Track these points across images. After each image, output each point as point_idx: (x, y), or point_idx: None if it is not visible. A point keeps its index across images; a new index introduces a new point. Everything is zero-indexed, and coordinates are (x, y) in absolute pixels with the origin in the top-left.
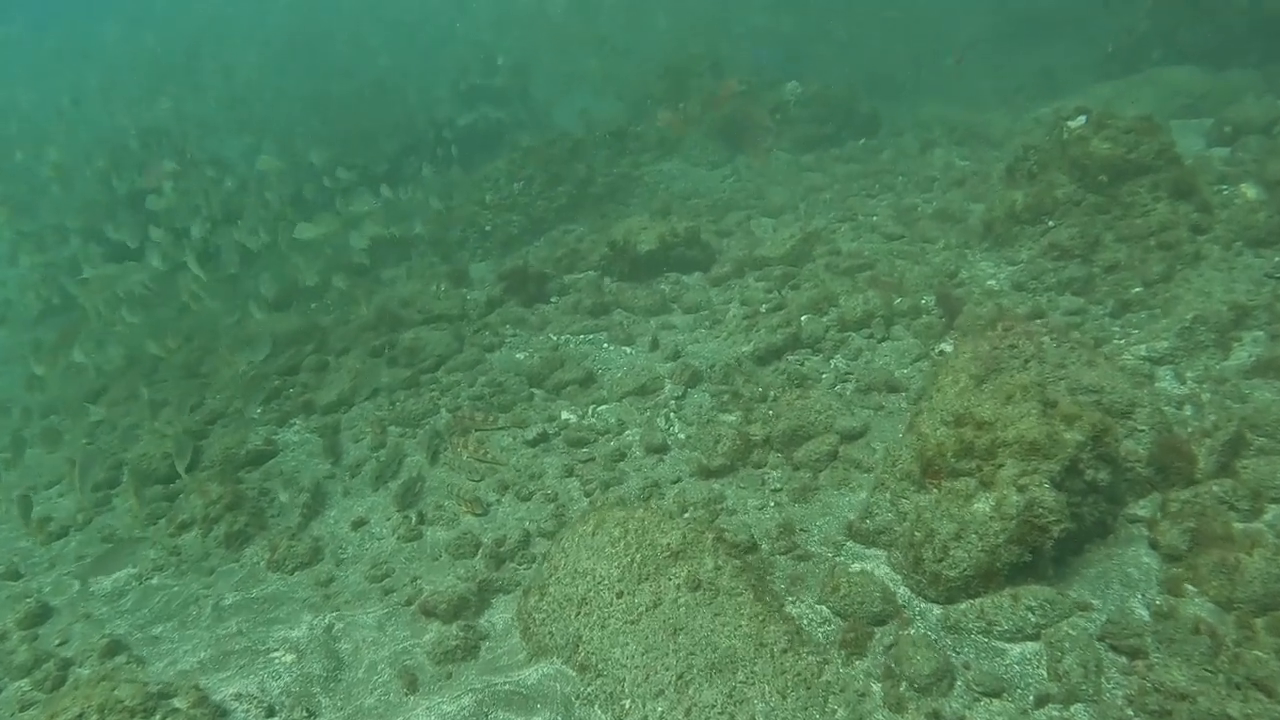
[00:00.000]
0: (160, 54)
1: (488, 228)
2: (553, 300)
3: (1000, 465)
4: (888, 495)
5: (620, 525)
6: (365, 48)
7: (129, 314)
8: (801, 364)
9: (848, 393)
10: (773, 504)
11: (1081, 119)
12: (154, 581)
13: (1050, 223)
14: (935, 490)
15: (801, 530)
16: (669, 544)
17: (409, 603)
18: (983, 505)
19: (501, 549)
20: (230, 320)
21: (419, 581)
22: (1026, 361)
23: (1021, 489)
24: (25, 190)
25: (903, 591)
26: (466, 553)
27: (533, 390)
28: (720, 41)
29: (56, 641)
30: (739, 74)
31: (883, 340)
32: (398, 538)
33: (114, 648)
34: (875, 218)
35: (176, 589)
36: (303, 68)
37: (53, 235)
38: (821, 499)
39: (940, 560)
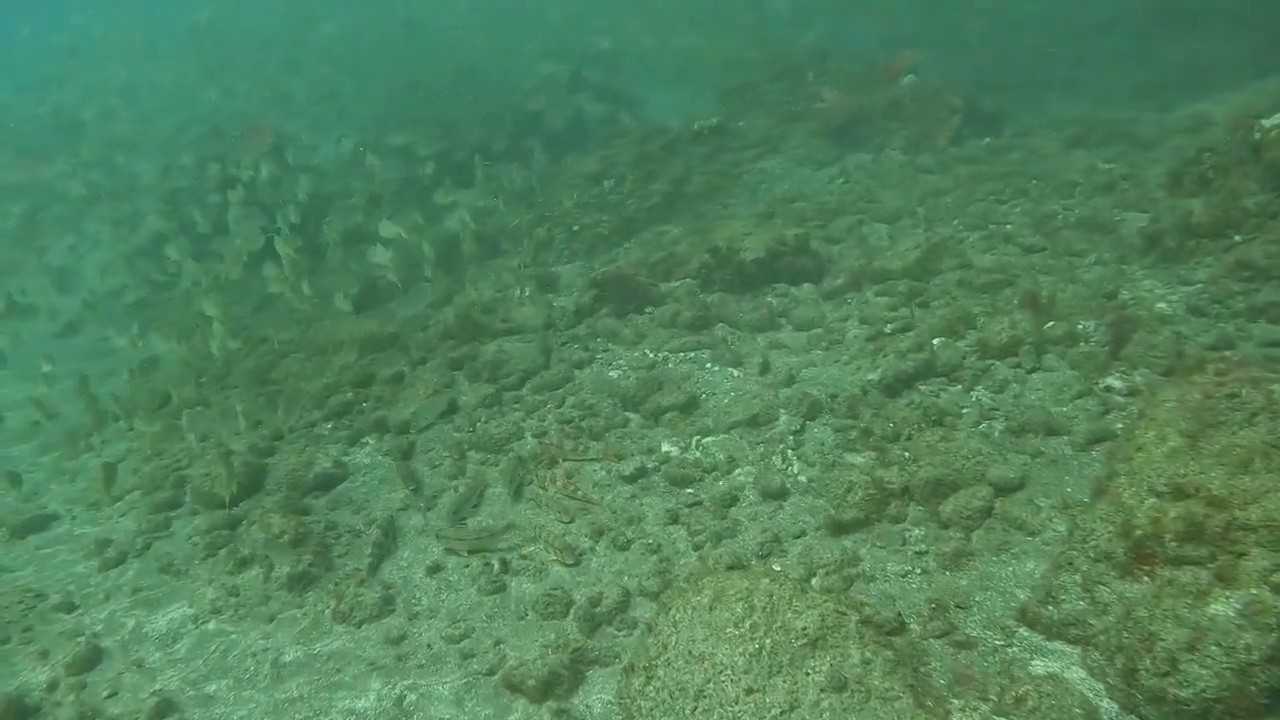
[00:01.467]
0: (261, 33)
1: (575, 227)
2: (648, 311)
3: (1242, 555)
4: (1078, 578)
5: (744, 600)
6: (462, 28)
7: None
8: (937, 396)
9: (996, 433)
10: (918, 570)
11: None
12: (210, 626)
13: (1237, 237)
14: (1148, 580)
15: (958, 607)
16: (805, 627)
17: (491, 672)
18: (1224, 608)
19: (597, 609)
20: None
21: (502, 646)
22: (1254, 415)
23: (1277, 589)
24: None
25: (1108, 706)
26: (556, 612)
27: (628, 415)
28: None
29: (105, 693)
30: (850, 64)
31: (1033, 371)
32: (478, 589)
33: (164, 709)
34: (1009, 226)
35: (234, 637)
36: (399, 50)
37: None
38: (978, 567)
39: (1165, 674)
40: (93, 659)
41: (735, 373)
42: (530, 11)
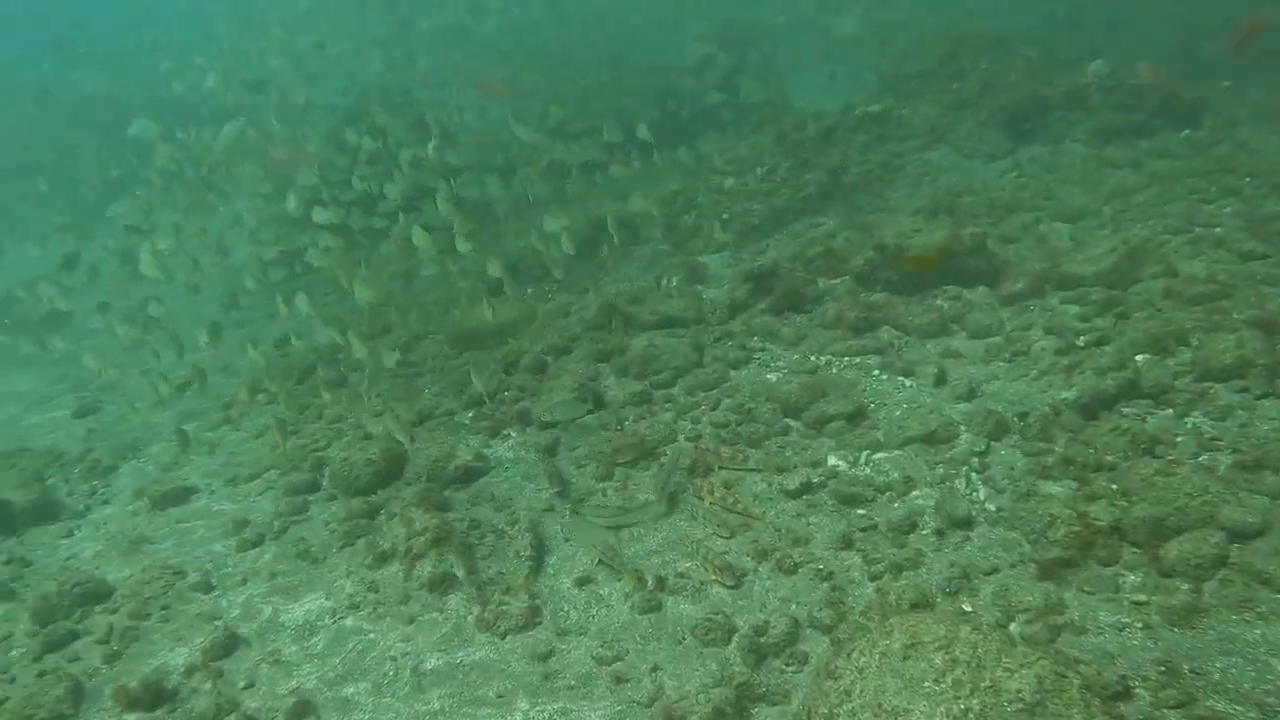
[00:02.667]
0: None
1: (725, 215)
2: (808, 309)
3: None
4: None
5: (944, 649)
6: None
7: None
8: (1144, 420)
9: (1222, 468)
10: (1138, 624)
11: None
12: (348, 622)
13: None
14: None
15: (1193, 673)
16: (1020, 690)
17: (649, 703)
18: None
19: (762, 639)
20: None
21: (660, 674)
22: None
23: None
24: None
25: None
26: (717, 639)
27: (788, 422)
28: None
29: (241, 683)
30: (1027, 49)
31: (1263, 397)
32: (631, 606)
33: (301, 710)
34: (1219, 229)
35: (373, 636)
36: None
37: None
38: (1215, 626)
39: None
40: (230, 646)
41: (907, 382)
42: None
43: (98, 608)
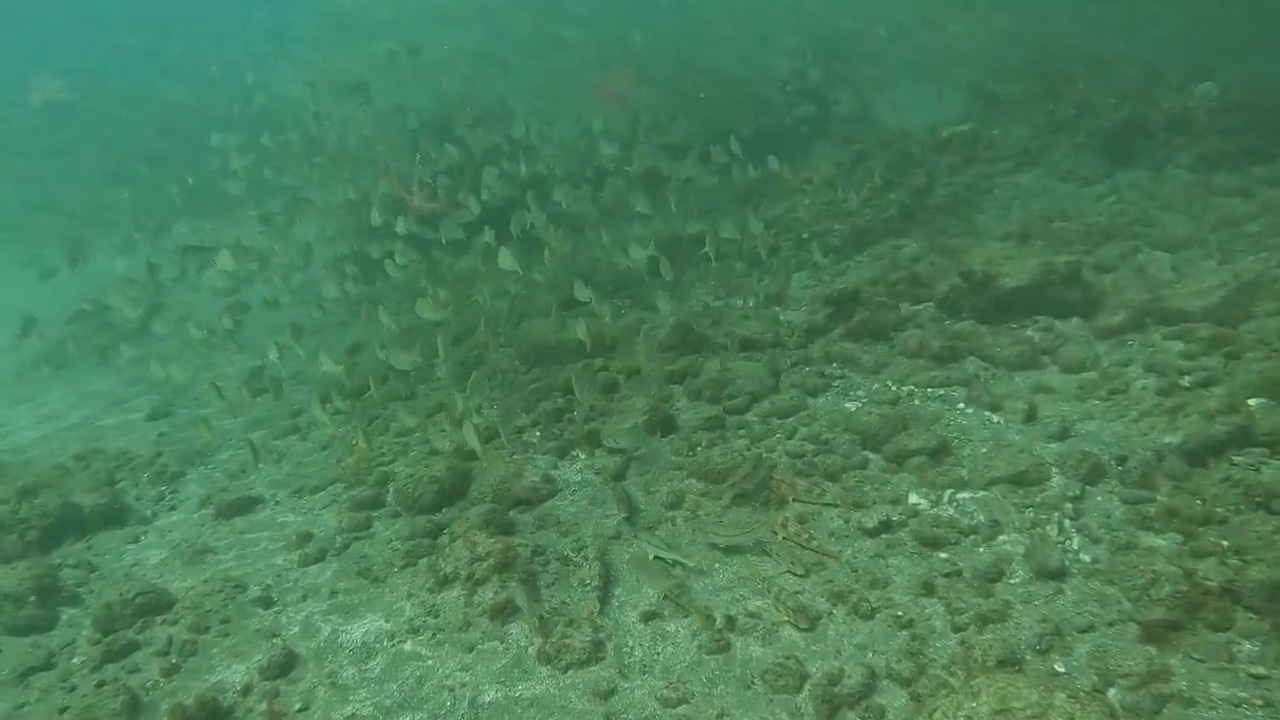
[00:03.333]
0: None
1: (805, 235)
2: (889, 336)
3: None
4: None
5: (1037, 718)
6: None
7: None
8: (1258, 470)
9: None
10: (1259, 701)
11: None
12: (407, 647)
13: None
14: None
15: None
16: None
17: None
18: None
19: (836, 689)
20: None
21: None
22: None
23: None
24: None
25: None
26: (788, 685)
27: (867, 455)
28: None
29: (298, 705)
30: (1130, 69)
31: None
32: (699, 646)
33: None
34: None
35: (431, 663)
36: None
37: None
38: None
39: None
40: (287, 665)
41: (994, 417)
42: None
43: (159, 619)
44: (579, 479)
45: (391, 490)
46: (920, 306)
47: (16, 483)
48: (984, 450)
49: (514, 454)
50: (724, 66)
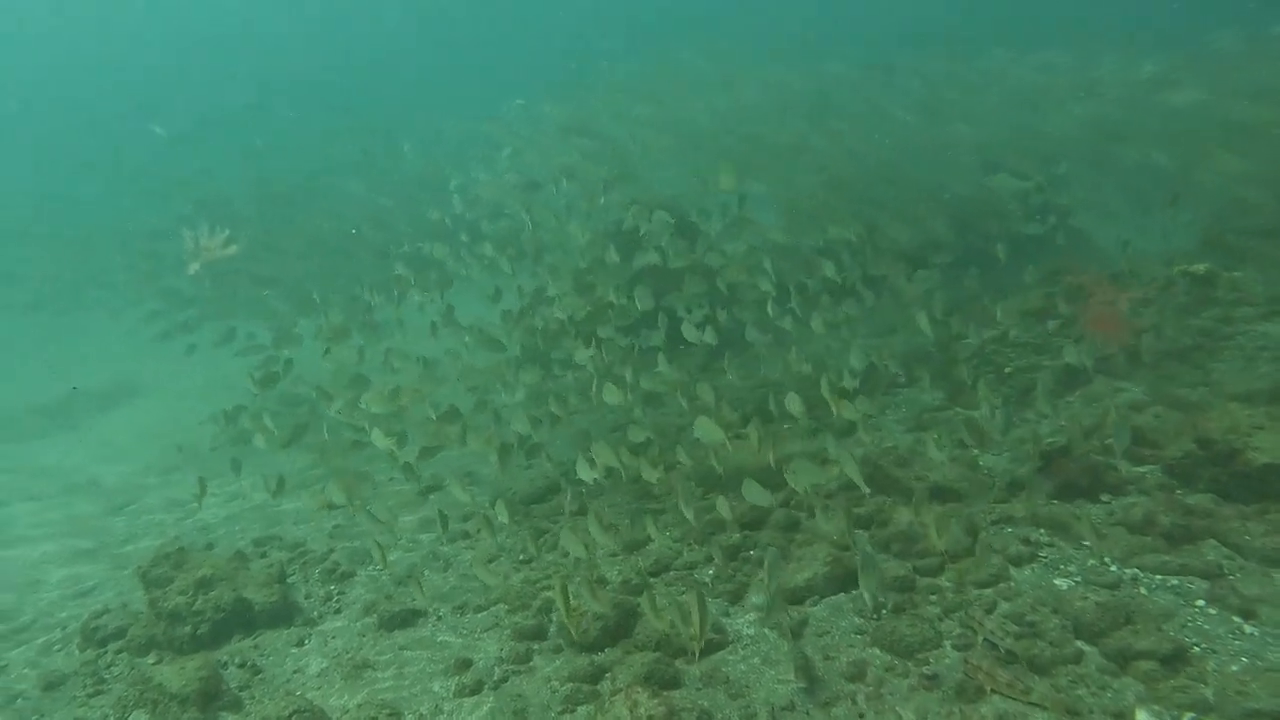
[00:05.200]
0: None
1: (1008, 369)
2: (1105, 499)
3: None
4: None
5: None
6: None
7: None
8: None
9: None
10: None
11: None
12: None
13: None
14: None
15: None
16: None
17: None
18: None
19: None
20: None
21: None
22: None
23: None
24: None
25: None
26: None
27: (1082, 647)
28: None
29: None
30: None
31: None
32: None
33: None
34: None
35: None
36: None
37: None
38: None
39: None
40: None
41: (1246, 626)
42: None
43: None
44: (751, 632)
45: (555, 620)
46: (1144, 469)
47: (195, 573)
48: (1235, 668)
49: (683, 592)
50: (915, 174)
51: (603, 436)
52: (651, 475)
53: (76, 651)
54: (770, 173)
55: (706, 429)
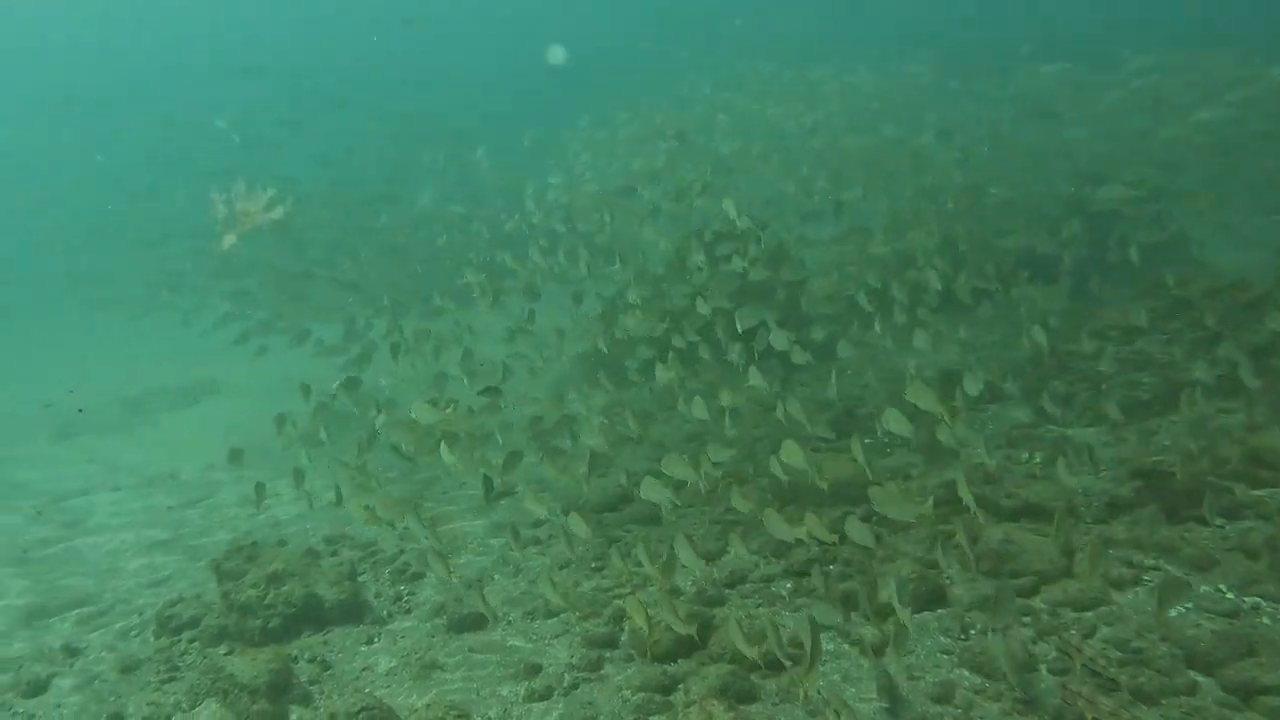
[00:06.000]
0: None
1: (1104, 385)
2: (1219, 524)
3: None
4: None
5: None
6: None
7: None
8: None
9: None
10: None
11: None
12: None
13: None
14: None
15: None
16: None
17: None
18: None
19: None
20: None
21: None
22: None
23: None
24: None
25: None
26: None
27: (1196, 678)
28: None
29: None
30: None
31: None
32: None
33: None
34: None
35: None
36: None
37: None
38: None
39: None
40: None
41: None
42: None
43: None
44: (830, 647)
45: (627, 630)
46: (1263, 493)
47: (267, 568)
48: None
49: (759, 605)
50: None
51: (678, 449)
52: (743, 505)
53: (151, 638)
54: (868, 179)
55: (791, 453)
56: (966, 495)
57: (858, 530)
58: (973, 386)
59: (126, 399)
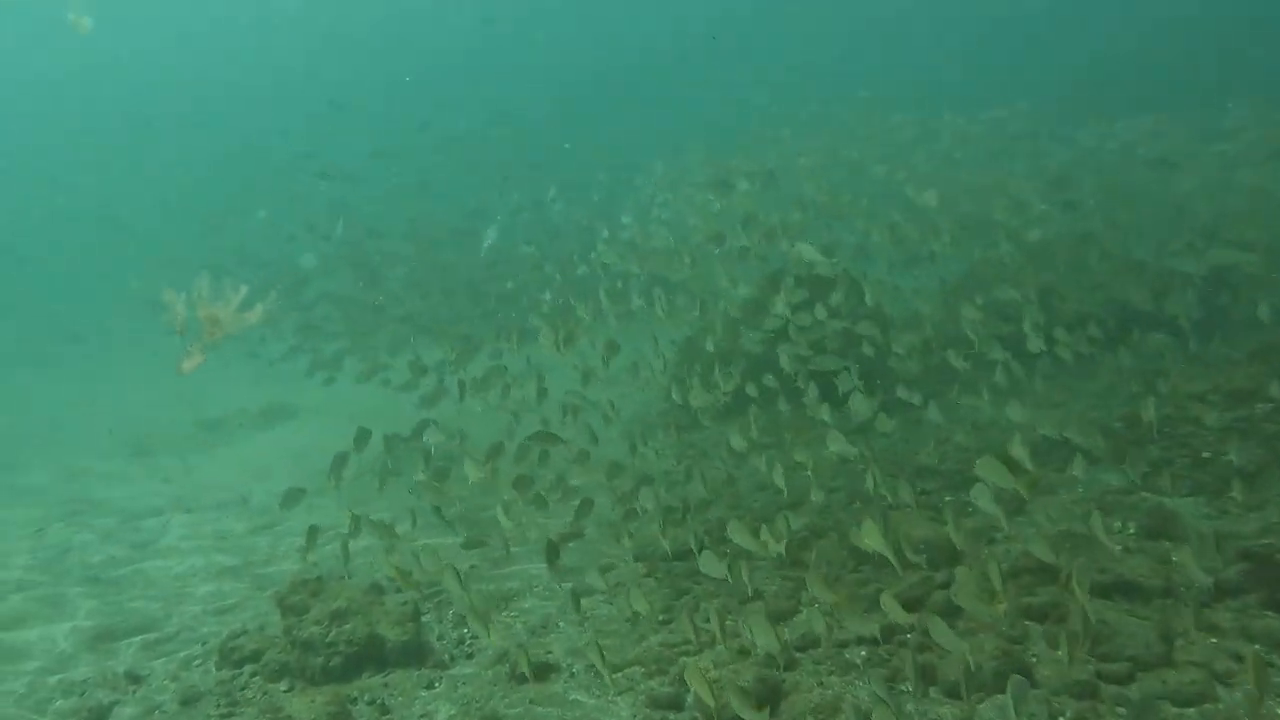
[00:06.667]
0: None
1: (1206, 454)
2: None
3: None
4: None
5: None
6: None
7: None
8: None
9: None
10: None
11: None
12: None
13: None
14: None
15: None
16: None
17: None
18: None
19: None
20: None
21: None
22: None
23: None
24: None
25: None
26: None
27: None
28: None
29: None
30: None
31: None
32: None
33: None
34: None
35: None
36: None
37: None
38: None
39: None
40: None
41: None
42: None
43: None
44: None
45: (692, 695)
46: None
47: (331, 604)
48: None
49: (831, 673)
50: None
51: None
52: (826, 595)
53: (214, 669)
54: (961, 228)
55: (871, 535)
56: (1082, 595)
57: (940, 630)
58: (1079, 470)
59: (204, 420)
